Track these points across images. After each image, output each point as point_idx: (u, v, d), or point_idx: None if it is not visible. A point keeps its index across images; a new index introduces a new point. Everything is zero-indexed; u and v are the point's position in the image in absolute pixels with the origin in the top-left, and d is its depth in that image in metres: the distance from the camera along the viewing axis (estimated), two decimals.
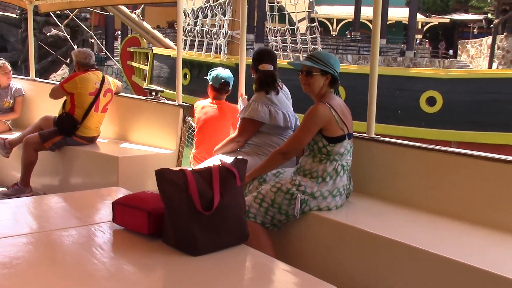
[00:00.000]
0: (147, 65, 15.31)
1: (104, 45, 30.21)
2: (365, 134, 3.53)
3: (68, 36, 19.52)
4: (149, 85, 14.40)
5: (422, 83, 10.88)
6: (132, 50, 16.28)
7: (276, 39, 12.77)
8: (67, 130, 5.00)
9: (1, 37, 24.46)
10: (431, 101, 10.69)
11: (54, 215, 2.84)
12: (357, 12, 40.37)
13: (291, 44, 12.56)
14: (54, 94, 5.12)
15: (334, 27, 47.78)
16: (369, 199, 3.37)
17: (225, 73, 4.41)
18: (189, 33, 13.99)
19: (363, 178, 3.45)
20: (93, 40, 26.12)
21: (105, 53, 26.18)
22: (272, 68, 3.79)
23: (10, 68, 6.14)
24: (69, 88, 4.98)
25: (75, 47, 22.92)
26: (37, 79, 6.61)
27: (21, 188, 5.01)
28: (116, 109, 5.55)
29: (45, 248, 2.32)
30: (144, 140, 5.24)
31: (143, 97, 5.53)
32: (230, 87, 4.44)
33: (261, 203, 3.07)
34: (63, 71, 24.48)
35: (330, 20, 47.47)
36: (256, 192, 3.13)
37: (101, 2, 5.88)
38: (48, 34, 23.24)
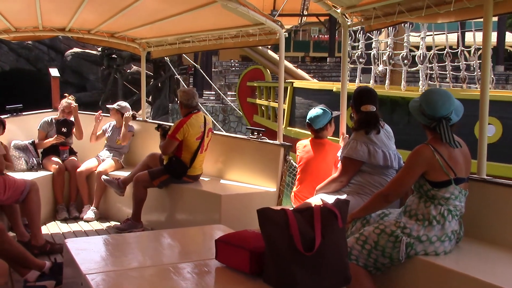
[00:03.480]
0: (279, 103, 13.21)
1: (192, 81, 28.11)
2: (475, 175, 3.33)
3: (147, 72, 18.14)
4: (289, 127, 11.69)
5: None
6: (255, 84, 13.50)
7: (432, 66, 10.88)
8: (177, 173, 5.24)
9: (80, 75, 23.53)
10: None
11: (162, 250, 2.97)
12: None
13: (452, 72, 10.94)
14: (168, 148, 5.22)
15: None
16: (481, 245, 3.15)
17: (311, 113, 4.39)
18: (360, 59, 11.20)
19: (474, 222, 3.24)
20: (179, 77, 24.10)
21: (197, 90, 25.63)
22: (375, 109, 3.74)
23: (75, 105, 6.46)
24: (180, 136, 5.19)
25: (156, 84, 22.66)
26: (148, 120, 7.03)
27: (133, 223, 5.28)
28: (219, 147, 5.74)
29: (154, 282, 2.42)
30: (245, 179, 5.34)
31: (245, 136, 5.69)
32: (316, 127, 4.35)
33: (364, 245, 2.99)
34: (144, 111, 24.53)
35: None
36: (358, 234, 3.06)
37: (208, 47, 6.17)
38: (128, 71, 22.25)
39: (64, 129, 6.16)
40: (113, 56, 22.89)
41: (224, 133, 5.88)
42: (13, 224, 4.66)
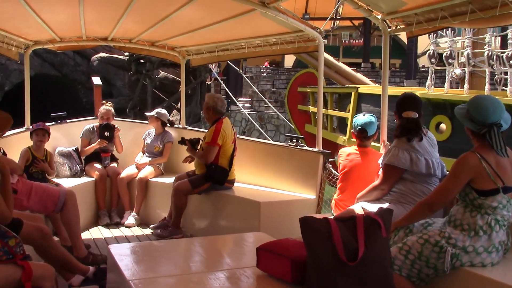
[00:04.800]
0: (340, 110, 11.12)
1: (226, 87, 26.37)
2: None
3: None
4: (351, 139, 9.75)
5: None
6: (308, 90, 12.29)
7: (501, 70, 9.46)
8: (219, 180, 5.28)
9: (107, 81, 21.87)
10: None
11: (202, 257, 2.99)
12: None
13: None
14: (211, 156, 5.23)
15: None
16: None
17: (363, 119, 4.35)
18: (431, 59, 10.22)
19: None
20: (210, 82, 23.29)
21: (229, 96, 21.98)
22: (417, 115, 3.67)
23: (114, 113, 6.63)
24: (220, 141, 5.24)
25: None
26: (187, 127, 7.11)
27: (173, 230, 5.33)
28: (256, 154, 5.75)
29: None
30: (284, 186, 5.33)
31: (284, 144, 5.68)
32: (370, 134, 4.34)
33: (407, 255, 2.93)
34: (173, 118, 20.74)
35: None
36: (401, 243, 3.00)
37: (246, 55, 6.20)
38: (156, 76, 20.70)
39: (106, 133, 6.26)
40: (141, 61, 21.48)
41: (261, 140, 5.87)
42: (57, 229, 4.77)
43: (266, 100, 18.12)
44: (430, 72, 10.44)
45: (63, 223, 4.60)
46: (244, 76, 18.32)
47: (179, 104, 22.96)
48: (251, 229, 4.66)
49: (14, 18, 5.16)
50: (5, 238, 2.79)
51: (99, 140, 6.22)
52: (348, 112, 10.74)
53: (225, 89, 25.04)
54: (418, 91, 9.36)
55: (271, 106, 16.78)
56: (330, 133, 11.33)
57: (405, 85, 16.88)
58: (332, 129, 11.77)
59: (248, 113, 21.04)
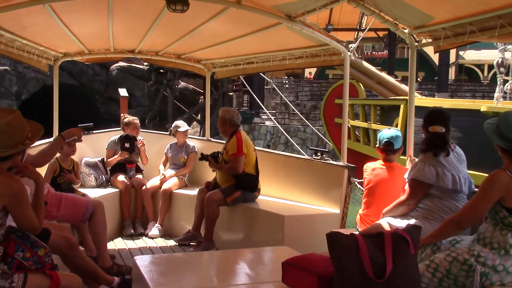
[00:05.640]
0: (383, 124, 9.88)
1: (248, 99, 25.48)
2: None
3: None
4: (403, 156, 7.29)
5: None
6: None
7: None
8: (250, 187, 5.33)
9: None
10: None
11: (229, 271, 2.99)
12: None
13: None
14: (239, 166, 5.28)
15: (485, 73, 43.25)
16: None
17: (389, 133, 4.32)
18: (500, 69, 9.53)
19: None
20: (232, 94, 22.39)
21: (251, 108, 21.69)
22: (444, 130, 3.63)
23: (139, 124, 6.69)
24: (245, 150, 5.31)
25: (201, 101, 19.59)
26: (212, 139, 7.13)
27: (207, 245, 5.22)
28: (280, 167, 5.75)
29: None
30: (307, 200, 5.31)
31: (308, 157, 5.66)
32: (396, 147, 4.30)
33: (435, 272, 2.88)
34: (193, 129, 20.82)
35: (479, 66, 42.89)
36: (428, 261, 2.95)
37: (271, 68, 6.23)
38: (176, 86, 20.22)
39: (127, 144, 6.33)
40: (161, 70, 21.17)
41: (285, 153, 5.87)
42: (83, 239, 4.82)
43: (298, 112, 17.18)
44: (498, 83, 9.57)
45: (90, 233, 4.65)
46: (274, 86, 17.76)
47: (199, 116, 22.85)
48: (275, 243, 4.65)
49: (45, 31, 5.28)
50: (34, 247, 2.84)
51: (120, 152, 6.29)
52: (396, 127, 9.76)
53: (247, 100, 24.58)
54: (486, 104, 8.47)
55: (304, 118, 16.10)
56: (373, 149, 10.14)
57: (436, 97, 16.27)
58: (373, 143, 11.00)
59: (272, 126, 20.66)
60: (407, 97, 10.30)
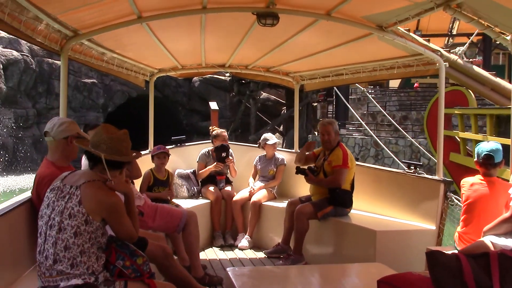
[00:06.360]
0: (500, 137, 8.85)
1: (334, 109, 24.77)
2: None
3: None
4: None
5: None
6: (456, 112, 10.37)
7: None
8: (344, 203, 5.25)
9: (207, 103, 18.84)
10: None
11: (323, 286, 2.94)
12: None
13: None
14: (343, 178, 5.21)
15: None
16: None
17: (488, 146, 4.07)
18: None
19: None
20: (316, 104, 21.85)
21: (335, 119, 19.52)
22: None
23: (227, 136, 6.74)
24: (350, 164, 5.26)
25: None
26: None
27: (296, 258, 5.20)
28: (373, 181, 5.60)
29: None
30: (400, 215, 5.13)
31: (401, 171, 5.48)
32: (496, 161, 4.03)
33: None
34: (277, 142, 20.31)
35: None
36: None
37: (361, 79, 6.13)
38: (258, 97, 20.09)
39: (223, 154, 6.45)
40: (243, 81, 21.15)
41: (377, 166, 5.71)
42: (176, 248, 4.96)
43: (395, 123, 15.63)
44: None
45: (184, 243, 4.79)
46: (368, 95, 16.88)
47: (281, 127, 22.63)
48: (365, 259, 4.52)
49: (142, 48, 5.55)
50: (133, 256, 2.95)
51: (215, 163, 6.41)
52: None
53: (332, 111, 23.84)
54: None
55: (401, 129, 14.82)
56: None
57: None
58: None
59: (361, 138, 19.95)
60: None
